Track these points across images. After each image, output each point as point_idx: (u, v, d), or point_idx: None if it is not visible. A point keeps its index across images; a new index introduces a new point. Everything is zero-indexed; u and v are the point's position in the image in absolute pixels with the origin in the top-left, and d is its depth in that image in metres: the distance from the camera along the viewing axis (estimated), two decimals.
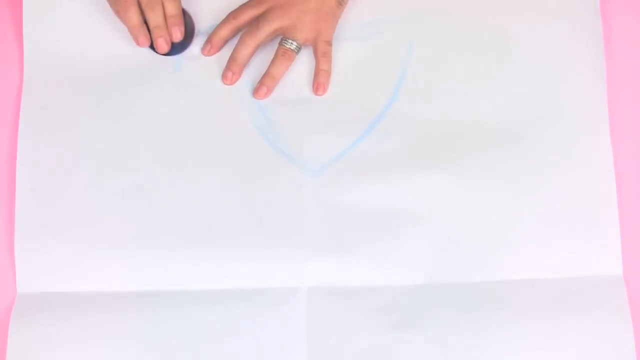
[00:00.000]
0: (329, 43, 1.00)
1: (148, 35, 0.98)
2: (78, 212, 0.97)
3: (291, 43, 0.99)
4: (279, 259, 0.95)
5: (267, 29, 0.99)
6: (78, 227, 0.96)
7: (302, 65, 1.01)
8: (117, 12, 0.98)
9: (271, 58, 1.00)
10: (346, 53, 1.01)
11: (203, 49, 1.01)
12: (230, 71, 1.00)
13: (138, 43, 0.98)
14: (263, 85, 0.99)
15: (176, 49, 1.00)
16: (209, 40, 1.01)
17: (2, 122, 1.00)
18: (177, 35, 0.99)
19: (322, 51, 1.00)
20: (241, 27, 1.00)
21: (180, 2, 0.99)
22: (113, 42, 1.01)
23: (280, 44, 1.00)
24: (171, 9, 0.98)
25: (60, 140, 0.99)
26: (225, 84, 1.00)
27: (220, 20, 1.01)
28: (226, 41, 1.01)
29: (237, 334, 0.93)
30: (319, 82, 1.00)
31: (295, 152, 0.98)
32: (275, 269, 0.95)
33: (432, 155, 0.98)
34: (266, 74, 1.00)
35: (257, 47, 1.00)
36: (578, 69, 1.00)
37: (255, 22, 0.99)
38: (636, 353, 0.91)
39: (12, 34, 1.03)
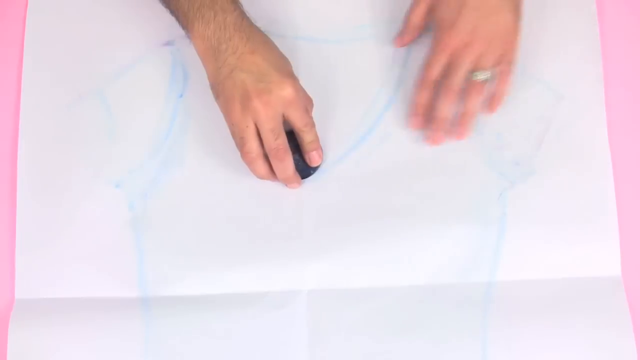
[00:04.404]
0: (511, 62, 0.97)
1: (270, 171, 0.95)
2: (77, 218, 0.97)
3: (481, 74, 0.95)
4: (279, 263, 0.95)
5: (461, 74, 0.96)
6: (77, 233, 0.96)
7: (304, 68, 1.01)
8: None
9: None
10: (346, 56, 1.01)
11: (411, 123, 0.97)
12: (442, 130, 0.97)
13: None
14: (464, 125, 0.97)
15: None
16: (414, 113, 0.97)
17: (2, 125, 1.00)
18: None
19: (502, 70, 0.97)
20: (436, 83, 0.97)
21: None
22: (113, 45, 1.01)
23: (471, 77, 0.96)
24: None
25: (60, 145, 0.99)
26: (434, 144, 0.97)
27: None
28: (430, 104, 0.98)
29: (238, 338, 0.94)
30: (493, 102, 0.97)
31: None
32: (276, 272, 0.95)
33: (430, 157, 0.98)
34: (464, 114, 0.96)
35: (458, 96, 0.97)
36: (575, 71, 1.00)
37: (447, 74, 0.96)
38: (636, 353, 0.92)
39: (12, 35, 1.02)
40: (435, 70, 0.96)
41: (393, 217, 0.96)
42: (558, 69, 1.00)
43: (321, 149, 0.96)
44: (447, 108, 0.96)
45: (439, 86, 0.97)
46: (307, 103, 0.94)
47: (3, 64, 1.02)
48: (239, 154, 0.94)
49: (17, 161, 0.98)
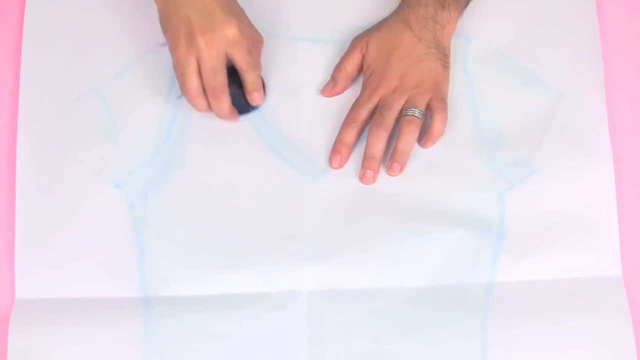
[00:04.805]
0: (444, 100, 0.97)
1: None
2: (77, 218, 0.96)
3: (414, 111, 0.96)
4: (279, 264, 0.95)
5: (392, 114, 0.96)
6: (77, 233, 0.96)
7: (304, 68, 1.01)
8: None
9: None
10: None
11: (332, 162, 0.97)
12: (371, 169, 0.96)
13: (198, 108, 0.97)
14: (396, 163, 0.96)
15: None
16: (337, 151, 0.97)
17: (1, 125, 1.00)
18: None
19: (436, 107, 0.97)
20: (364, 126, 0.98)
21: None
22: (112, 45, 1.01)
23: (403, 114, 0.96)
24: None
25: (59, 144, 0.98)
26: (365, 184, 0.97)
27: None
28: (354, 146, 0.98)
29: (238, 338, 0.93)
30: (428, 138, 0.98)
31: (294, 156, 0.98)
32: (276, 273, 0.95)
33: (429, 158, 0.98)
34: (396, 151, 0.96)
35: (389, 135, 0.97)
36: (575, 71, 1.00)
37: (378, 112, 0.96)
38: (636, 353, 0.92)
39: (10, 34, 1.02)
40: (364, 111, 0.97)
41: (392, 218, 0.96)
42: (558, 69, 1.00)
43: (263, 89, 0.98)
44: (378, 146, 0.96)
45: (369, 125, 0.97)
46: (252, 44, 0.95)
47: (2, 63, 1.02)
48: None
49: (15, 161, 0.98)
